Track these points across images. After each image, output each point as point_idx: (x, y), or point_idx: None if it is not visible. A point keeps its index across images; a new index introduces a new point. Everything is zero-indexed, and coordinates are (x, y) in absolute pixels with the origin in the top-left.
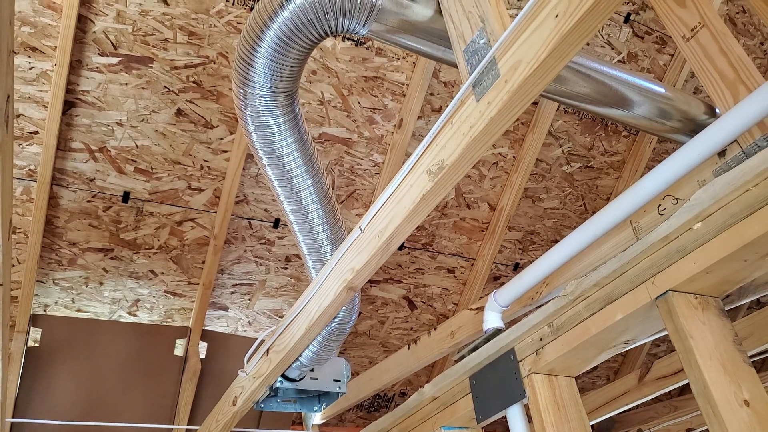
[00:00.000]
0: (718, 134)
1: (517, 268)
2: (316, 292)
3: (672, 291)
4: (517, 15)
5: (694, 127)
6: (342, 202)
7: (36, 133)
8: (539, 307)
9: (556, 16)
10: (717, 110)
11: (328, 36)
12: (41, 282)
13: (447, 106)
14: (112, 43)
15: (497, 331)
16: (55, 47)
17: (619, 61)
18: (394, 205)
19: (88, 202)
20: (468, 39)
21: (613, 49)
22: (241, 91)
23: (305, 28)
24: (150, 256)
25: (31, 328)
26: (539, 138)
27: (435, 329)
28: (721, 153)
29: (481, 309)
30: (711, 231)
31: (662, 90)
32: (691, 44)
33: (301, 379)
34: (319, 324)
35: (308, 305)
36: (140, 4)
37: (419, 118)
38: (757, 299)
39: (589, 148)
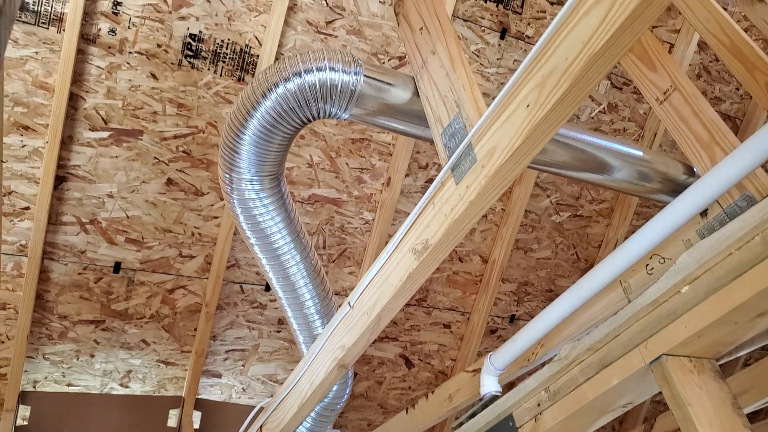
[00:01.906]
0: (698, 196)
1: (513, 320)
2: (307, 370)
3: (666, 355)
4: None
5: (674, 187)
6: (334, 261)
7: (27, 208)
8: (540, 366)
9: (527, 105)
10: (695, 170)
11: (311, 121)
12: (31, 358)
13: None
14: (102, 118)
15: (494, 397)
16: (47, 125)
17: (599, 112)
18: (382, 283)
19: (79, 274)
20: (445, 123)
21: (593, 101)
22: (227, 175)
23: (287, 115)
24: (142, 326)
25: (20, 405)
26: (526, 190)
27: (432, 393)
28: (703, 213)
29: (477, 371)
30: (699, 294)
31: (640, 153)
32: (665, 107)
33: None
34: (312, 402)
35: (300, 382)
36: (130, 80)
37: (407, 175)
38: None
39: (576, 198)
